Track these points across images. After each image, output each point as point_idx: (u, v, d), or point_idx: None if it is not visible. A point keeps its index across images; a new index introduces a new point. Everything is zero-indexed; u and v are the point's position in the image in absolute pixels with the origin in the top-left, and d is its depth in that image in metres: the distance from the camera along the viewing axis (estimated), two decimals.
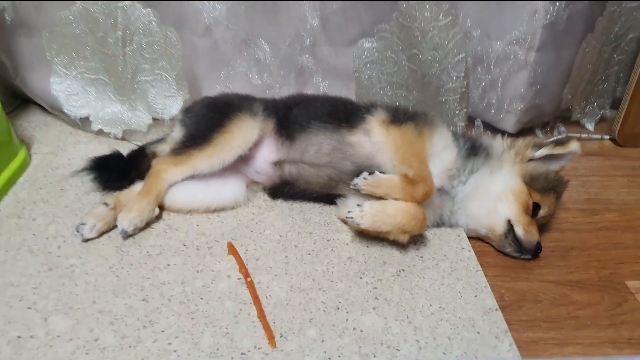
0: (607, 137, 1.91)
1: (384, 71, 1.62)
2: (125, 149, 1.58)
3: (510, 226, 1.34)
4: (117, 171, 1.45)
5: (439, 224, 1.43)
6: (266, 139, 1.46)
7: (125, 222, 1.30)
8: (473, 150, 1.42)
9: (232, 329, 1.10)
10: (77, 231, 1.29)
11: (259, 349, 1.06)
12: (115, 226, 1.33)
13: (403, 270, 1.28)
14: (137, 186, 1.40)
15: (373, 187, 1.30)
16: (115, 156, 1.49)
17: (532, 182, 1.36)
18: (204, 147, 1.38)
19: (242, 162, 1.46)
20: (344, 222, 1.41)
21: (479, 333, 1.13)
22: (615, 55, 1.85)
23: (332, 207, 1.48)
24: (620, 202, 1.60)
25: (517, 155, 1.40)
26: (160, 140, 1.54)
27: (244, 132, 1.40)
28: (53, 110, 1.75)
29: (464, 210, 1.40)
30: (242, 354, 1.05)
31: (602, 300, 1.27)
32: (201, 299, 1.17)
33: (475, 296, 1.22)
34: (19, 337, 1.05)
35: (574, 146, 1.38)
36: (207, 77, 1.68)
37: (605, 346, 1.16)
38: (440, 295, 1.22)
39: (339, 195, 1.44)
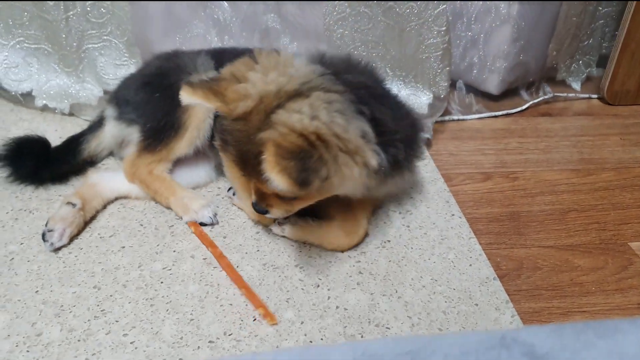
0: (595, 96, 1.80)
1: (357, 29, 1.48)
2: (74, 125, 1.44)
3: None
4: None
5: None
6: None
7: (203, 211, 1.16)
8: None
9: (197, 315, 0.96)
10: (45, 240, 1.08)
11: (229, 335, 0.92)
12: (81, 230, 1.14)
13: (388, 241, 1.15)
14: (94, 178, 1.22)
15: None
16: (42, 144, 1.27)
17: None
18: (179, 133, 1.19)
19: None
20: None
21: (477, 305, 1.01)
22: (601, 8, 1.74)
23: None
24: (616, 161, 1.50)
25: None
26: (93, 130, 1.32)
27: None
28: None
29: None
30: (210, 342, 0.91)
31: (607, 264, 1.16)
32: (161, 283, 1.02)
33: (470, 265, 1.10)
34: None
35: None
36: (162, 42, 1.51)
37: (613, 313, 1.06)
38: (431, 266, 1.09)
39: None
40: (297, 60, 0.99)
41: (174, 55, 1.31)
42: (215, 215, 1.17)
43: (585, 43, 1.78)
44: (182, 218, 1.17)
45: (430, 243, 1.15)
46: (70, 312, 0.95)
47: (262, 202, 1.00)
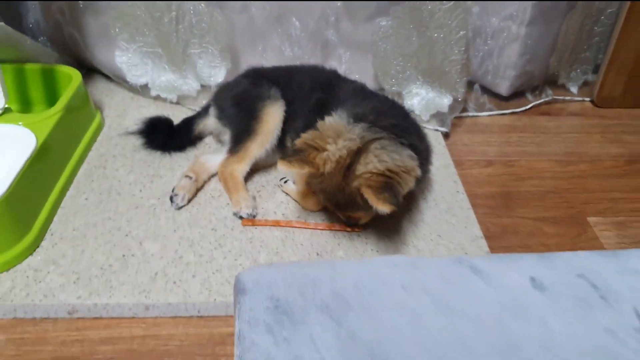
0: (587, 99, 2.20)
1: (397, 45, 1.91)
2: (180, 111, 1.94)
3: None
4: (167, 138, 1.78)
5: None
6: None
7: (245, 209, 1.56)
8: None
9: (281, 250, 1.46)
10: (172, 201, 1.58)
11: None
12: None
13: (410, 209, 1.63)
14: (203, 158, 1.70)
15: None
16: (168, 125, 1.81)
17: None
18: (253, 137, 1.61)
19: None
20: None
21: (466, 253, 1.48)
22: (596, 27, 2.12)
23: None
24: (593, 155, 1.91)
25: None
26: (201, 117, 1.83)
27: (274, 117, 1.65)
28: (116, 79, 2.08)
29: None
30: None
31: (567, 232, 1.61)
32: (255, 229, 1.52)
33: (466, 227, 1.57)
34: (123, 255, 1.42)
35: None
36: (247, 50, 1.99)
37: None
38: (439, 227, 1.56)
39: None
40: (344, 121, 1.38)
41: (257, 80, 1.71)
42: (254, 216, 1.54)
43: (583, 55, 2.18)
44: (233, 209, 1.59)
45: (440, 211, 1.62)
46: (199, 244, 1.46)
47: (351, 220, 1.49)
